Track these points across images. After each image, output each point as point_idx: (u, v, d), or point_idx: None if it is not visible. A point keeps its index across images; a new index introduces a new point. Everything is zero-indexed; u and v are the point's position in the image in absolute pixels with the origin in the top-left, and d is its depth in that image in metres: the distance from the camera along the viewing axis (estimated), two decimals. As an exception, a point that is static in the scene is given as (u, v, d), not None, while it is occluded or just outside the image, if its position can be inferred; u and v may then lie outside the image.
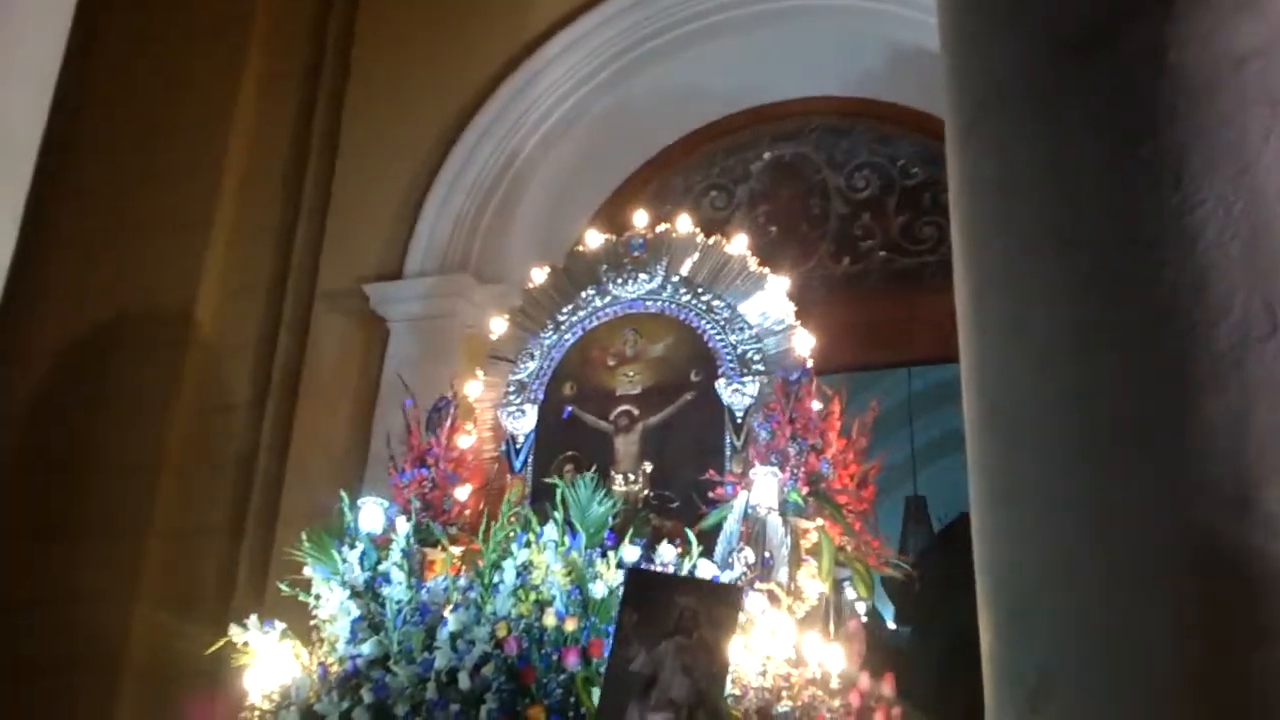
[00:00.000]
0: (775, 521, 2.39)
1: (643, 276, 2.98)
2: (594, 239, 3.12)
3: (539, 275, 3.13)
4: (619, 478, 2.74)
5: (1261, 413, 1.12)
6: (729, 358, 2.81)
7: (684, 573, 2.29)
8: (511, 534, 2.43)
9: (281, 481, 3.63)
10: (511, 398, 2.96)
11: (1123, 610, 1.14)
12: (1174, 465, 1.14)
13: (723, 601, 2.09)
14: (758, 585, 2.32)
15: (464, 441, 2.90)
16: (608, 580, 2.28)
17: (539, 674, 2.22)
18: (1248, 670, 1.05)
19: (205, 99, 4.15)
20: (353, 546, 2.54)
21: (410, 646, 2.36)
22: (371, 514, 2.61)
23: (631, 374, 2.90)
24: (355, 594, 2.48)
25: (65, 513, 3.68)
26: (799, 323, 2.84)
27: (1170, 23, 1.24)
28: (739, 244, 2.99)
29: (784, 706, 2.18)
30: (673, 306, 2.93)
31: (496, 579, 2.37)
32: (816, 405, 2.61)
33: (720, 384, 2.80)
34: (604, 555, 2.34)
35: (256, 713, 2.45)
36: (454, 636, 2.31)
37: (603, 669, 2.12)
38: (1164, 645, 1.10)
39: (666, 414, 2.83)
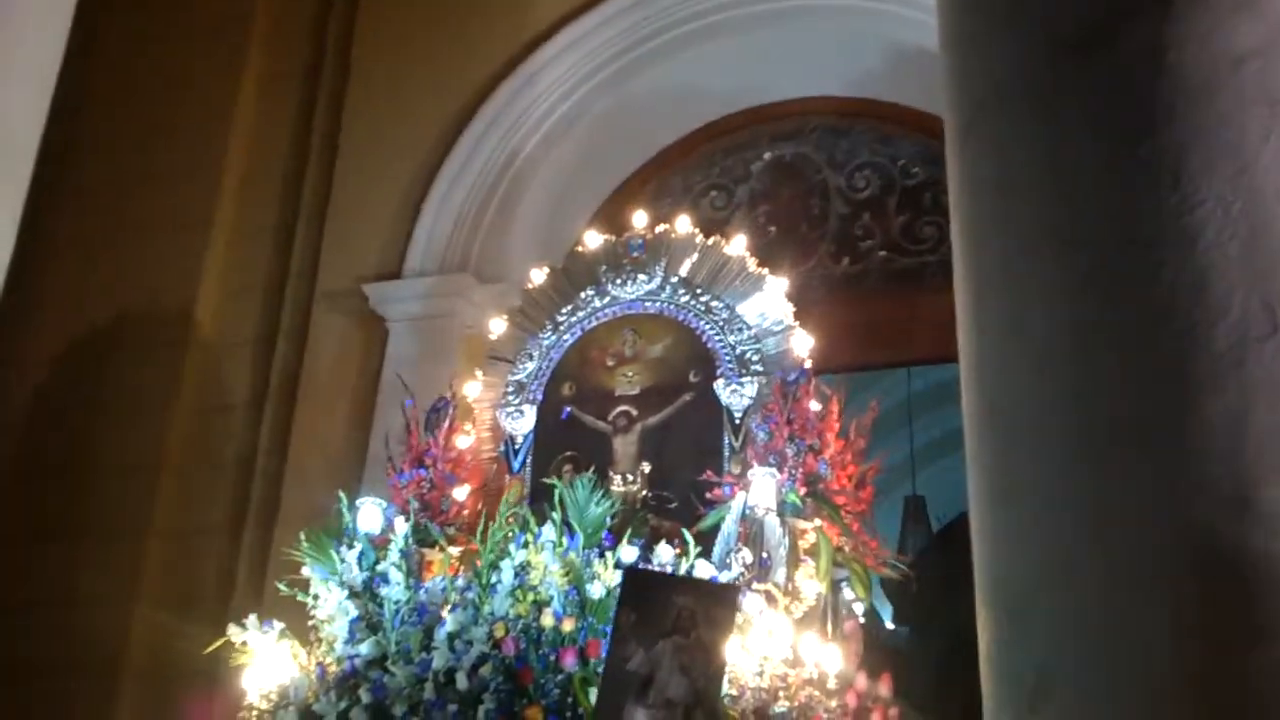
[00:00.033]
0: (773, 522, 2.39)
1: (641, 277, 2.98)
2: (593, 239, 3.12)
3: (538, 276, 3.13)
4: (617, 478, 2.74)
5: (1260, 413, 1.12)
6: (727, 358, 2.81)
7: (682, 573, 2.29)
8: (509, 534, 2.43)
9: (280, 481, 3.63)
10: (510, 398, 2.96)
11: (1121, 610, 1.13)
12: (1173, 465, 1.14)
13: (720, 601, 2.09)
14: (755, 586, 2.32)
15: (462, 442, 2.90)
16: (605, 581, 2.28)
17: (536, 674, 2.22)
18: (1246, 670, 1.05)
19: (205, 99, 4.15)
20: (351, 547, 2.54)
21: (408, 647, 2.36)
22: (370, 514, 2.61)
23: (630, 374, 2.90)
24: (353, 594, 2.48)
25: (65, 513, 3.68)
26: (798, 323, 2.84)
27: (1169, 23, 1.24)
28: (738, 245, 2.98)
29: (781, 707, 2.18)
30: (671, 307, 2.93)
31: (494, 579, 2.37)
32: (815, 406, 2.61)
33: (719, 385, 2.80)
34: (602, 556, 2.34)
35: (255, 712, 2.45)
36: (452, 637, 2.31)
37: (600, 669, 2.12)
38: (1162, 645, 1.10)
39: (665, 415, 2.83)
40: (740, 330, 2.84)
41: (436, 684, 2.27)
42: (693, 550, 2.33)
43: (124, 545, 3.59)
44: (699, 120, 4.05)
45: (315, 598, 2.52)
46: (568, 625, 2.25)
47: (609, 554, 2.34)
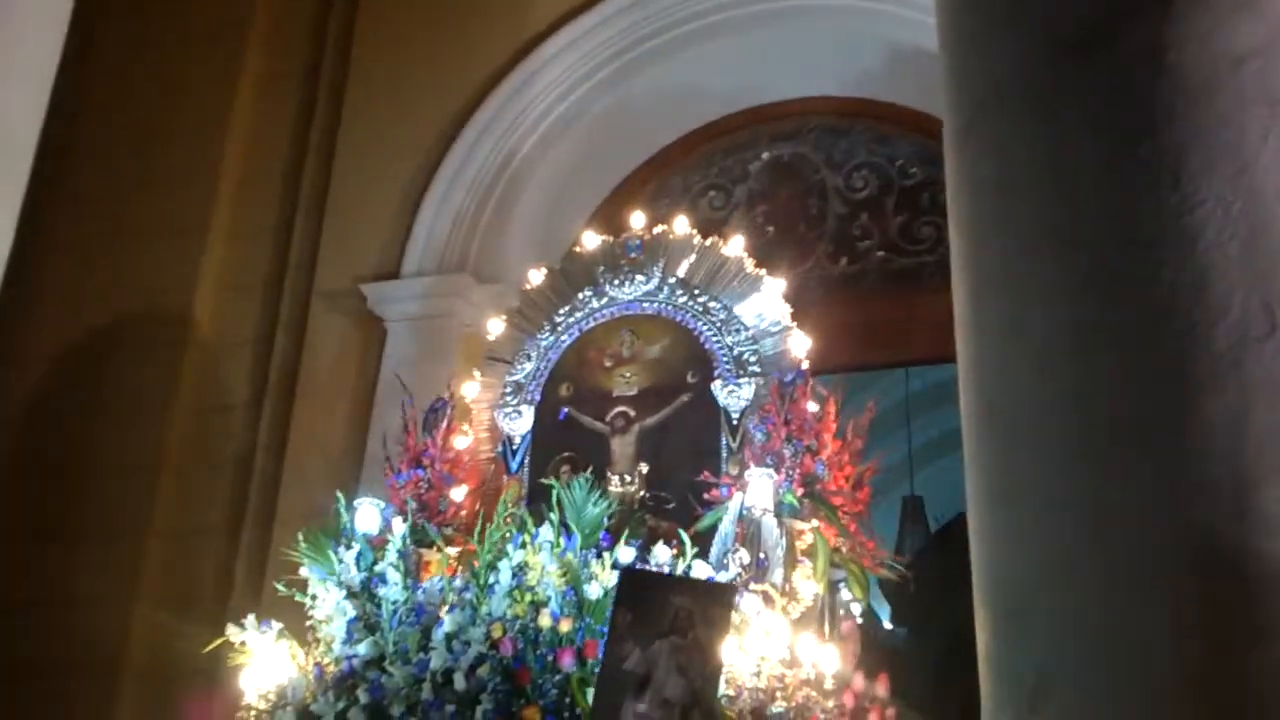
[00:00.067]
0: (770, 523, 2.39)
1: (639, 278, 2.97)
2: (591, 240, 3.12)
3: (536, 276, 3.13)
4: (615, 479, 2.74)
5: (1260, 413, 1.12)
6: (725, 359, 2.81)
7: (679, 574, 2.29)
8: (507, 535, 2.43)
9: (279, 481, 3.62)
10: (508, 399, 2.96)
11: (1121, 610, 1.13)
12: (1172, 465, 1.14)
13: (717, 601, 2.09)
14: (753, 586, 2.32)
15: (460, 442, 2.89)
16: (603, 581, 2.28)
17: (534, 675, 2.22)
18: (1246, 670, 1.05)
19: (202, 103, 4.16)
20: (349, 547, 2.54)
21: (406, 647, 2.36)
22: (368, 514, 2.61)
23: (628, 375, 2.90)
24: (351, 594, 2.48)
25: (64, 514, 3.68)
26: (795, 324, 2.84)
27: (1168, 23, 1.24)
28: (736, 246, 2.98)
29: (778, 707, 2.18)
30: (669, 308, 2.93)
31: (492, 580, 2.37)
32: (812, 407, 2.61)
33: (716, 385, 2.80)
34: (599, 556, 2.34)
35: (253, 712, 2.44)
36: (449, 637, 2.31)
37: (598, 669, 2.12)
38: (1162, 645, 1.10)
39: (663, 415, 2.82)
40: (738, 331, 2.84)
41: (434, 684, 2.27)
42: (690, 551, 2.33)
43: (123, 545, 3.59)
44: (697, 120, 4.05)
45: (313, 598, 2.52)
46: (565, 626, 2.24)
47: (606, 554, 2.34)
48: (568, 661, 2.20)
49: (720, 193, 4.04)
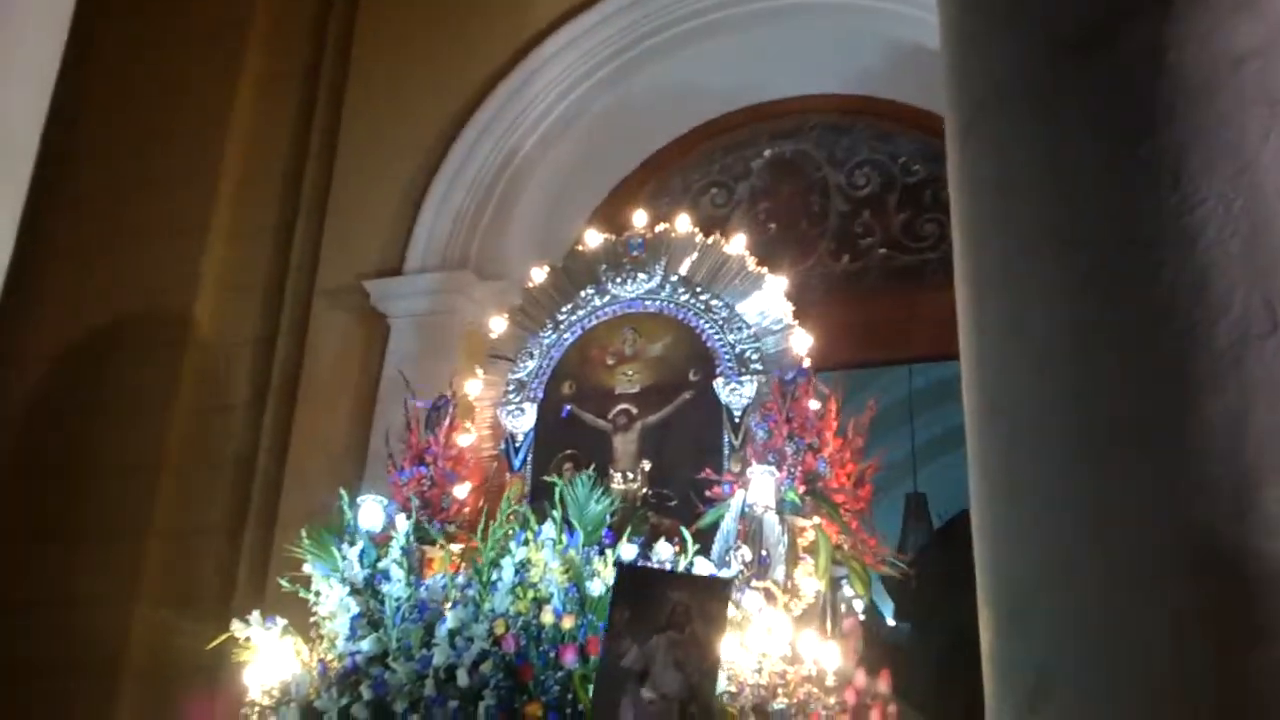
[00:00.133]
0: (772, 520, 2.40)
1: (641, 276, 2.98)
2: (593, 238, 3.12)
3: (538, 274, 3.14)
4: (617, 476, 2.75)
5: (1261, 412, 1.12)
6: (727, 357, 2.82)
7: (679, 570, 2.29)
8: (510, 532, 2.44)
9: (281, 480, 3.63)
10: (511, 396, 2.96)
11: (1121, 610, 1.13)
12: (1173, 465, 1.14)
13: (714, 596, 2.09)
14: (754, 583, 2.32)
15: (463, 440, 2.90)
16: (605, 578, 2.28)
17: (537, 671, 2.22)
18: (1246, 670, 1.05)
19: (202, 104, 4.16)
20: (352, 544, 2.54)
21: (409, 643, 2.37)
22: (371, 512, 2.61)
23: (630, 373, 2.90)
24: (355, 591, 2.49)
25: (65, 514, 3.68)
26: (797, 322, 2.85)
27: (1168, 23, 1.24)
28: (737, 244, 2.99)
29: (779, 703, 2.18)
30: (671, 306, 2.93)
31: (495, 577, 2.38)
32: (814, 404, 2.61)
33: (718, 383, 2.80)
34: (602, 553, 2.34)
35: (256, 709, 2.45)
36: (452, 634, 2.32)
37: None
38: (1162, 645, 1.10)
39: (665, 413, 2.83)
40: (740, 329, 2.84)
41: (437, 680, 2.27)
42: (692, 548, 2.34)
43: (125, 545, 3.59)
44: (698, 118, 4.05)
45: (317, 595, 2.52)
46: (568, 622, 2.25)
47: (609, 551, 2.34)
48: (570, 658, 2.20)
49: (722, 190, 4.04)
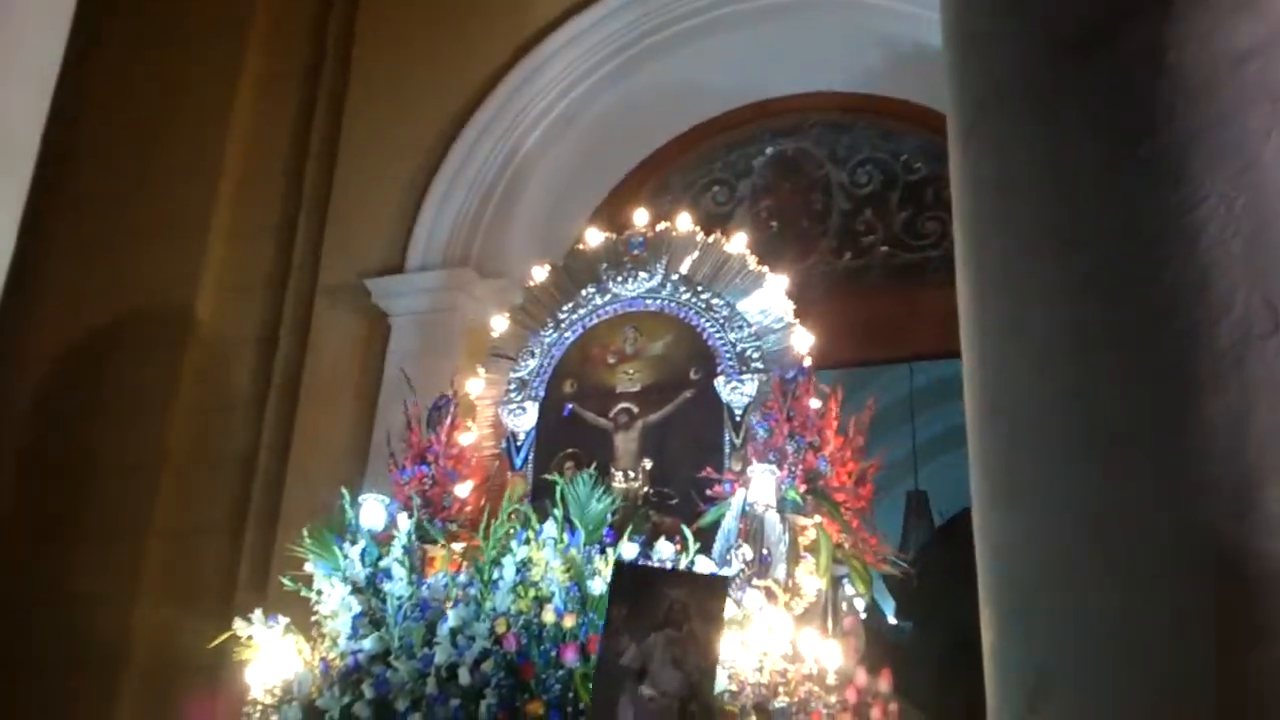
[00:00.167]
0: (773, 518, 2.39)
1: (642, 275, 2.98)
2: (594, 237, 3.12)
3: (540, 273, 3.14)
4: (619, 475, 2.75)
5: (1262, 412, 1.12)
6: (728, 356, 2.81)
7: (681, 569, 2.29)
8: (511, 531, 2.44)
9: (283, 478, 3.63)
10: (512, 395, 2.97)
11: (1122, 609, 1.13)
12: (1174, 465, 1.14)
13: (712, 593, 2.08)
14: (755, 582, 2.32)
15: (465, 438, 2.90)
16: (606, 577, 2.28)
17: (538, 669, 2.22)
18: (1246, 670, 1.05)
19: (202, 103, 4.17)
20: (354, 543, 2.54)
21: (411, 642, 2.37)
22: (372, 510, 2.61)
23: (631, 372, 2.90)
24: (356, 590, 2.49)
25: (66, 513, 3.69)
26: (798, 320, 2.84)
27: (1168, 23, 1.24)
28: (738, 242, 2.98)
29: (780, 702, 2.18)
30: (672, 304, 2.93)
31: (496, 575, 2.38)
32: (815, 403, 2.61)
33: (719, 382, 2.80)
34: (603, 552, 2.34)
35: (259, 708, 2.45)
36: (454, 632, 2.32)
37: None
38: (1163, 645, 1.10)
39: (666, 411, 2.83)
40: (741, 328, 2.84)
41: (439, 679, 2.28)
42: (693, 547, 2.34)
43: (126, 544, 3.60)
44: (700, 116, 4.04)
45: (318, 593, 2.53)
46: (569, 621, 2.25)
47: (610, 550, 2.34)
48: (571, 657, 2.21)
49: (724, 188, 4.04)
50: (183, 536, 3.64)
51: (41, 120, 2.85)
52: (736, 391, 2.76)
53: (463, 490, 2.79)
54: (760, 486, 2.42)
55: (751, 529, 2.39)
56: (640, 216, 3.11)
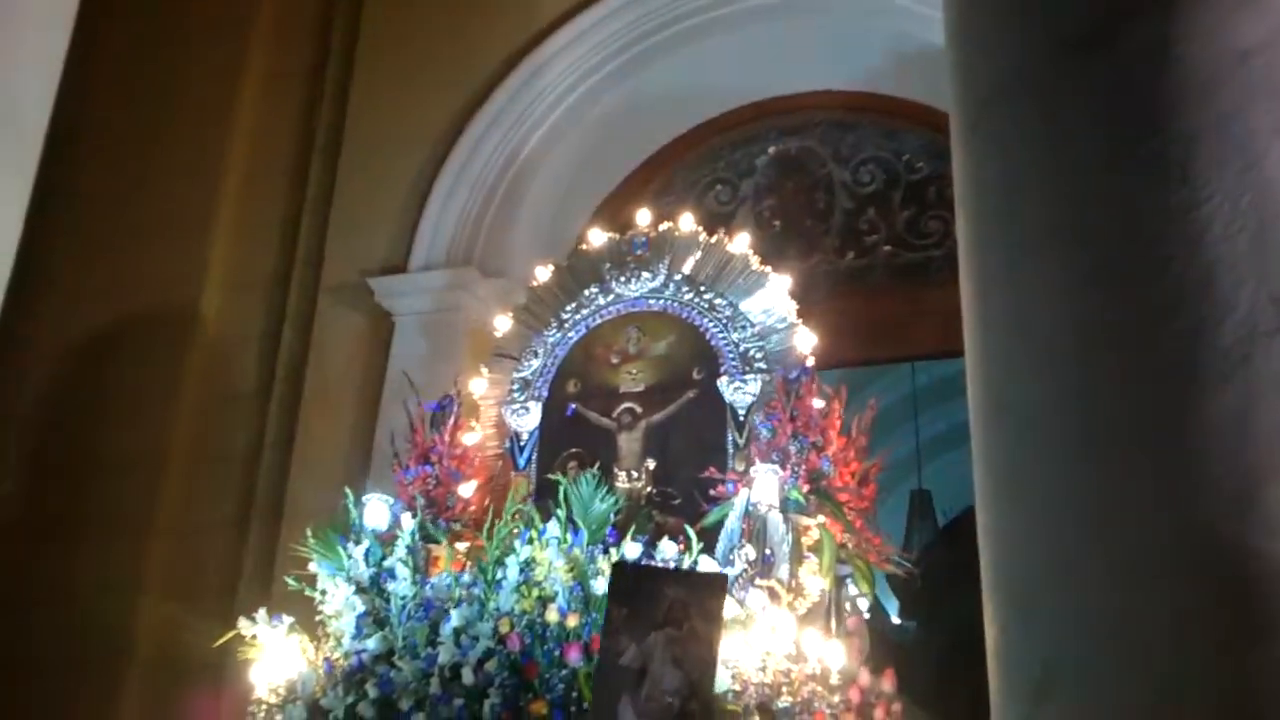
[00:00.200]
0: (776, 519, 2.39)
1: (645, 275, 2.98)
2: (597, 237, 3.12)
3: (543, 273, 3.14)
4: (622, 475, 2.75)
5: (1266, 411, 1.11)
6: (731, 356, 2.81)
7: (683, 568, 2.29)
8: (515, 531, 2.44)
9: (286, 477, 3.64)
10: (516, 395, 2.97)
11: (1122, 609, 1.13)
12: (1176, 463, 1.14)
13: (711, 592, 2.08)
14: (759, 582, 2.32)
15: (468, 438, 2.90)
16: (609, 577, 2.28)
17: (541, 669, 2.23)
18: (1246, 669, 1.05)
19: (204, 101, 4.17)
20: (358, 542, 2.55)
21: (414, 642, 2.37)
22: (376, 510, 2.61)
23: (634, 372, 2.90)
24: (360, 590, 2.49)
25: (69, 510, 3.69)
26: (801, 319, 2.84)
27: (1172, 20, 1.23)
28: (741, 242, 2.98)
29: (784, 702, 2.18)
30: (675, 305, 2.93)
31: (500, 575, 2.38)
32: (818, 403, 2.61)
33: (722, 382, 2.80)
34: (606, 552, 2.35)
35: (263, 707, 2.46)
36: (458, 632, 2.32)
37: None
38: (1163, 644, 1.10)
39: (669, 411, 2.83)
40: (744, 328, 2.84)
41: (442, 679, 2.28)
42: (696, 546, 2.34)
43: (129, 542, 3.60)
44: (702, 115, 4.04)
45: (322, 593, 2.53)
46: (572, 620, 2.25)
47: (613, 550, 2.34)
48: (574, 656, 2.21)
49: (726, 187, 4.03)
50: (185, 535, 3.64)
51: (46, 118, 2.86)
52: (739, 391, 2.76)
53: (466, 490, 2.79)
54: (763, 486, 2.42)
55: (755, 529, 2.38)
56: (643, 216, 3.11)
